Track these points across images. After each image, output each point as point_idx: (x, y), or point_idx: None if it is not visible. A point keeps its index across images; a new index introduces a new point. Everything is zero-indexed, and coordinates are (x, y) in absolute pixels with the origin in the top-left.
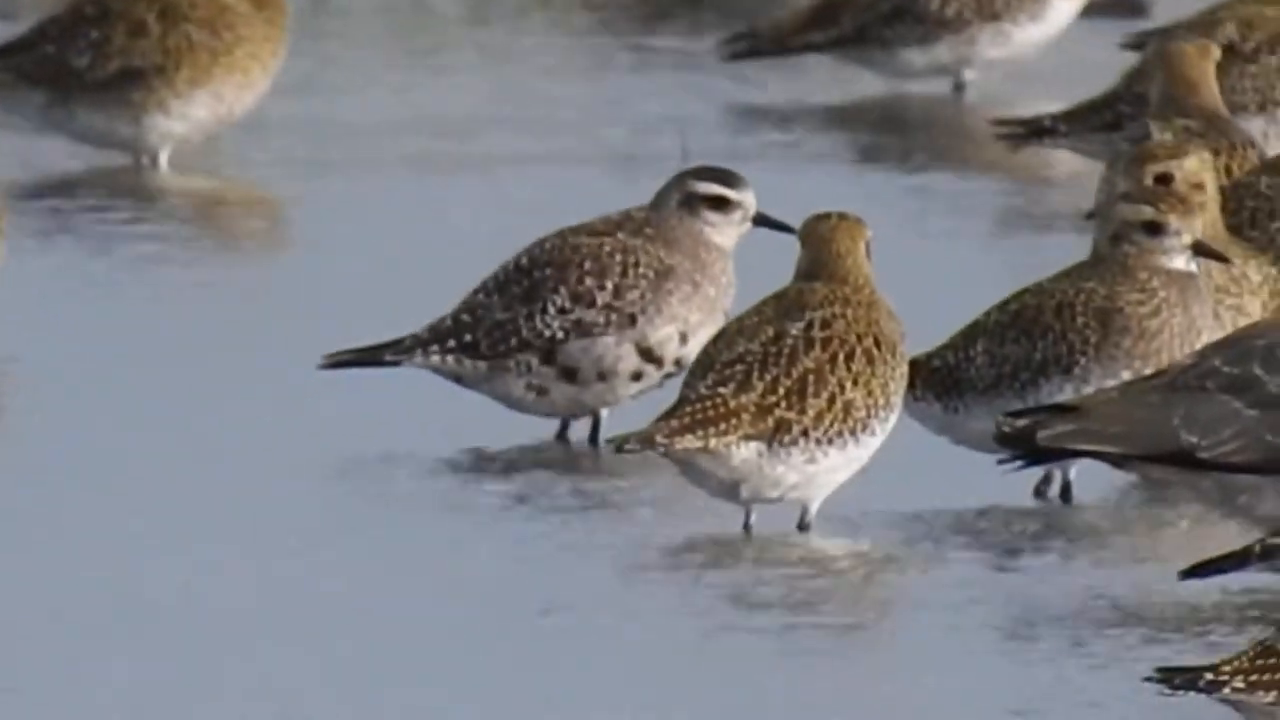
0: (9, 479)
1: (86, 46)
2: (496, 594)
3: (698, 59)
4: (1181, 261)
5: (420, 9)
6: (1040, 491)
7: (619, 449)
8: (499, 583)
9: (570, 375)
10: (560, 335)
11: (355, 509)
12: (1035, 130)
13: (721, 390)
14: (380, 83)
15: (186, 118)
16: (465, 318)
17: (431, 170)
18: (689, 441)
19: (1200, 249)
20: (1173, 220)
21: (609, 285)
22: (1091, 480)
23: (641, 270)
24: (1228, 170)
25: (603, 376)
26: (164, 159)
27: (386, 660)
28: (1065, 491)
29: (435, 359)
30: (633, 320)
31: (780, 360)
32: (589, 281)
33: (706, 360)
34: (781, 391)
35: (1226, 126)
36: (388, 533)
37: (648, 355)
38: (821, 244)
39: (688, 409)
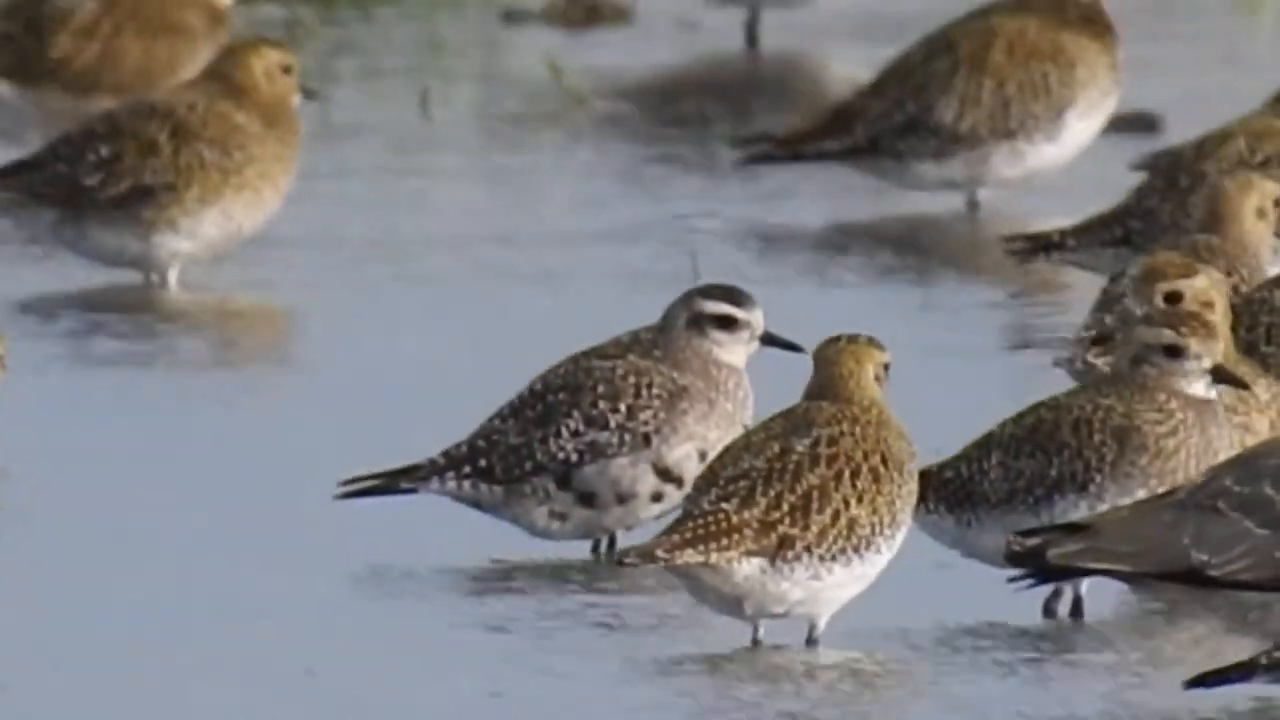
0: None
1: (97, 165)
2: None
3: (711, 166)
4: (1201, 387)
5: (426, 124)
6: (1050, 609)
7: (619, 562)
8: (498, 695)
9: (588, 500)
10: (575, 458)
11: (366, 619)
12: (1044, 245)
13: (725, 506)
14: (386, 198)
15: (195, 235)
16: (481, 443)
17: (439, 285)
18: (690, 556)
19: (1220, 374)
20: (1194, 344)
21: (622, 407)
22: (1100, 593)
23: (655, 391)
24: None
25: (621, 499)
26: (173, 277)
27: None
28: (1076, 607)
29: (452, 485)
30: (647, 440)
31: (785, 476)
32: (602, 405)
33: (711, 476)
34: (785, 508)
35: (1243, 262)
36: (396, 640)
37: (666, 475)
38: (828, 365)
39: (690, 524)
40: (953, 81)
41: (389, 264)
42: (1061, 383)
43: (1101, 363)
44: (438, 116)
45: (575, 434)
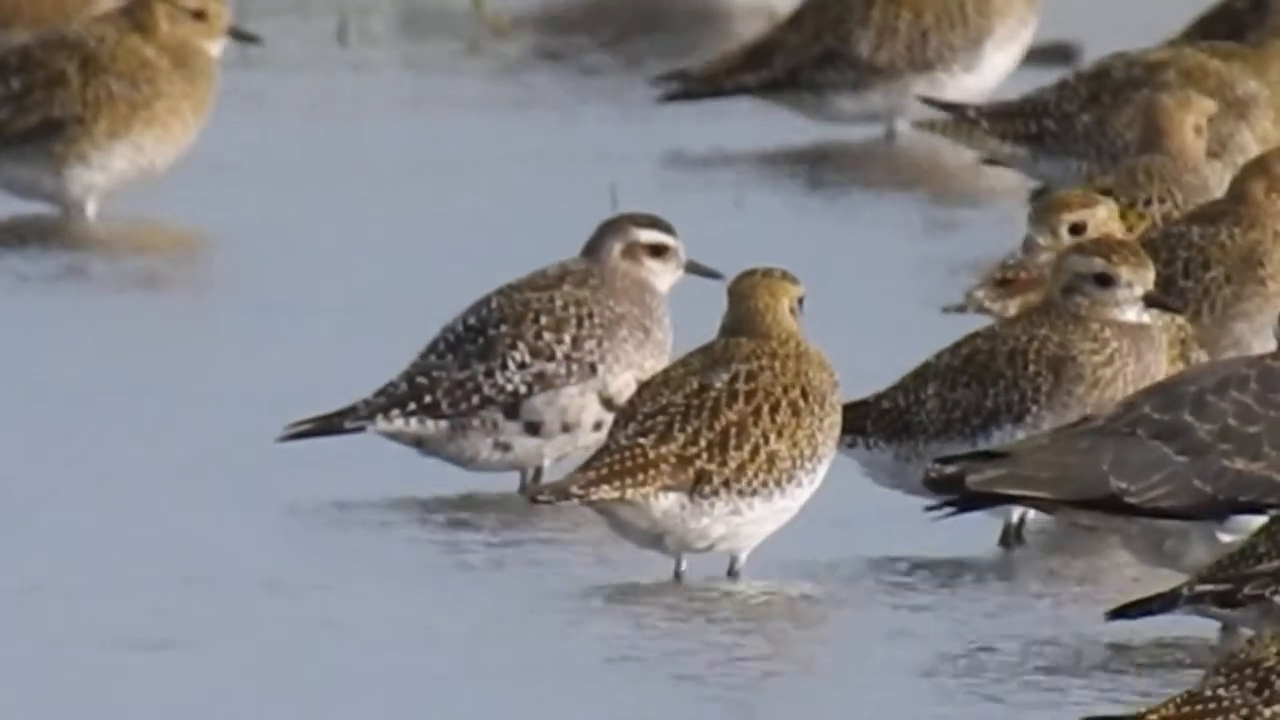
0: None
1: (7, 97)
2: (434, 641)
3: (630, 100)
4: (1134, 313)
5: (349, 49)
6: (1006, 540)
7: (534, 499)
8: (434, 631)
9: (535, 429)
10: (523, 389)
11: (308, 559)
12: (958, 115)
13: (641, 441)
14: (307, 130)
15: (107, 169)
16: (421, 380)
17: (362, 215)
18: (605, 492)
19: (1152, 300)
20: (1125, 272)
21: (566, 337)
22: (1038, 522)
23: (596, 320)
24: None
25: (566, 428)
26: (91, 210)
27: (331, 701)
28: (1019, 533)
29: (398, 423)
30: (593, 369)
31: (703, 412)
32: (547, 336)
33: (629, 410)
34: (703, 443)
35: (1182, 182)
36: (334, 585)
37: (609, 404)
38: (743, 299)
39: (606, 459)
40: (869, 13)
41: (313, 193)
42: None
43: (997, 307)
44: (356, 47)
45: (522, 365)
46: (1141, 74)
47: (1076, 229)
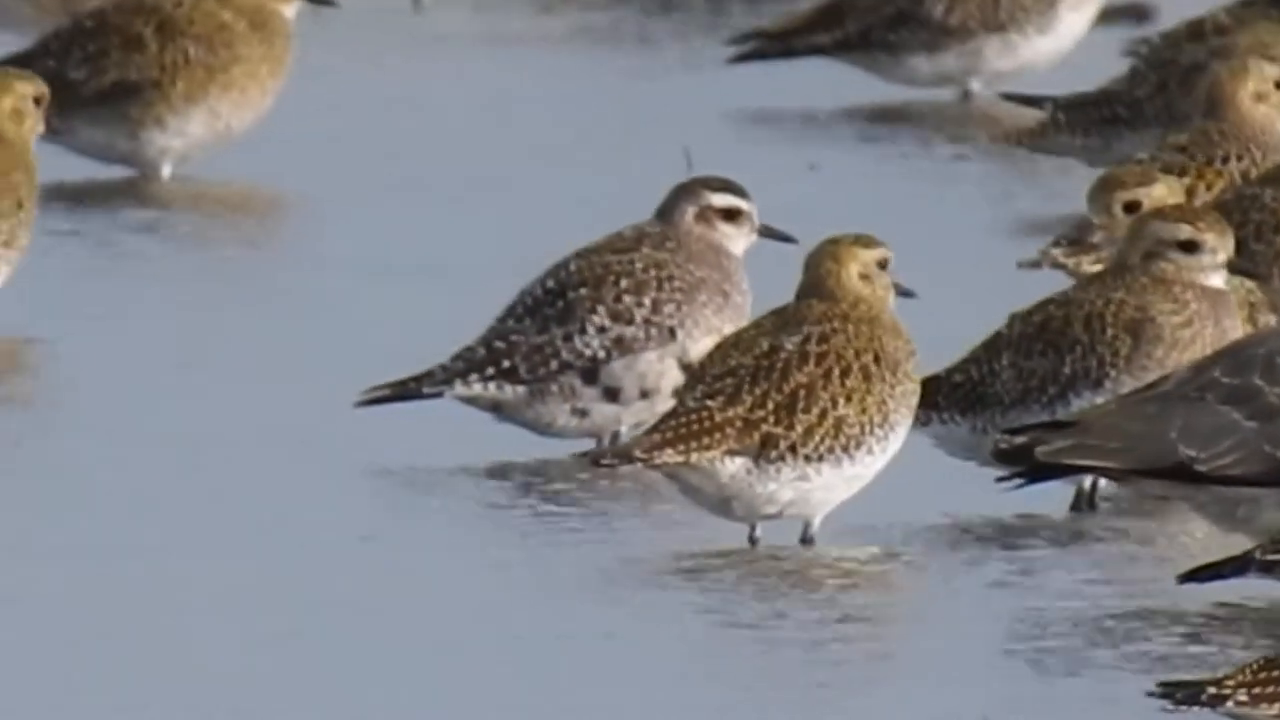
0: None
1: (84, 60)
2: (508, 605)
3: (703, 60)
4: (1217, 279)
5: (422, 12)
6: (1078, 505)
7: (596, 462)
8: (509, 593)
9: (613, 395)
10: (602, 354)
11: (376, 522)
12: (1034, 104)
13: (709, 403)
14: (381, 81)
15: (184, 134)
16: (499, 344)
17: (427, 177)
18: (669, 456)
19: (1235, 266)
20: (1210, 238)
21: (646, 301)
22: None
23: (676, 284)
24: (1194, 189)
25: (645, 394)
26: (166, 172)
27: (390, 666)
28: (1091, 500)
29: (477, 388)
30: (673, 334)
31: (772, 374)
32: (627, 299)
33: (699, 373)
34: (770, 406)
35: (1255, 144)
36: (402, 546)
37: (689, 369)
38: (810, 266)
39: (672, 422)
40: None
41: (385, 156)
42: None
43: (1072, 263)
44: (430, 10)
45: (601, 330)
46: (1205, 56)
47: (1131, 207)
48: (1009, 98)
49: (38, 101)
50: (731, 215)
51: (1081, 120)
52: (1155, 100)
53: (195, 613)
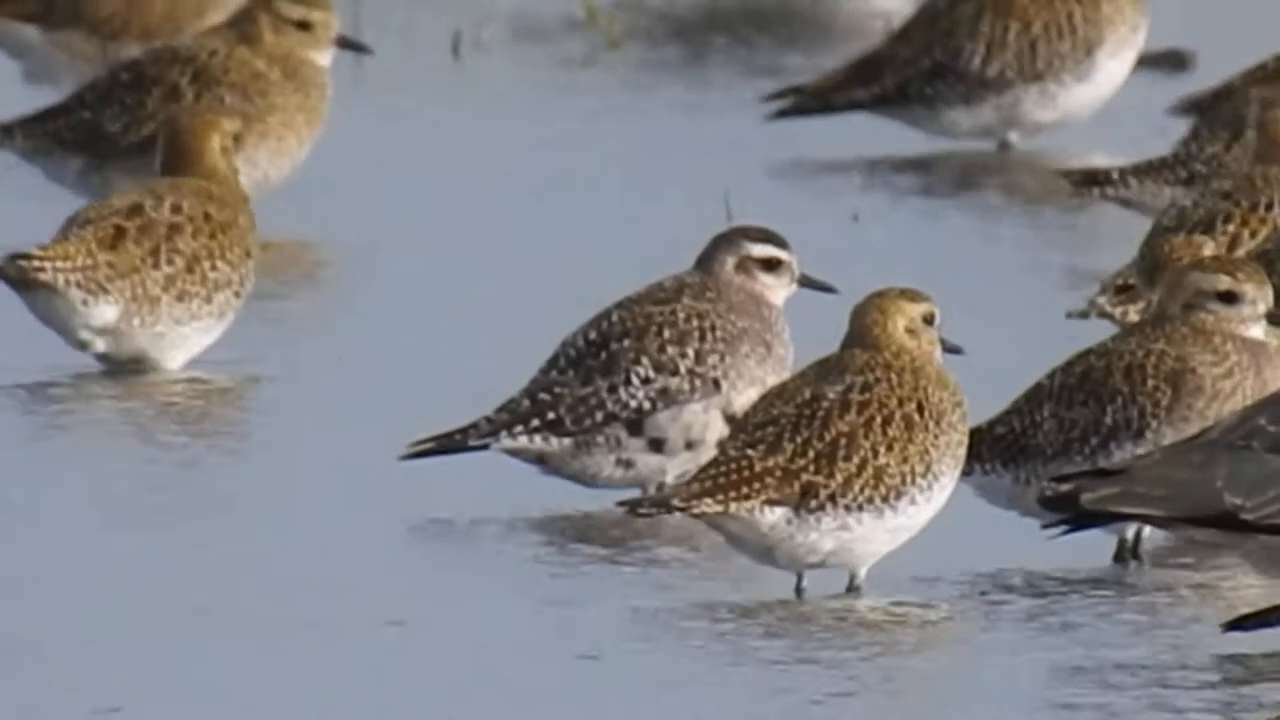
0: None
1: (121, 111)
2: (546, 646)
3: (743, 109)
4: (1257, 330)
5: (462, 60)
6: (1122, 556)
7: (633, 511)
8: (550, 637)
9: (658, 446)
10: (647, 405)
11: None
12: (1103, 181)
13: (750, 452)
14: (432, 128)
15: None
16: (543, 396)
17: (469, 224)
18: (708, 505)
19: (1275, 318)
20: (1250, 289)
21: (690, 352)
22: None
23: (719, 334)
24: (1237, 237)
25: (690, 445)
26: None
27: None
28: (1135, 549)
29: (522, 440)
30: (717, 385)
31: (813, 423)
32: (670, 350)
33: (742, 422)
34: (811, 455)
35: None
36: (441, 583)
37: (733, 420)
38: (855, 318)
39: (712, 471)
40: (978, 25)
41: (428, 204)
42: (1093, 326)
43: (1119, 312)
44: (469, 59)
45: (646, 380)
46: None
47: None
48: (1067, 175)
49: (237, 139)
50: (771, 265)
51: (1157, 180)
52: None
53: (227, 654)
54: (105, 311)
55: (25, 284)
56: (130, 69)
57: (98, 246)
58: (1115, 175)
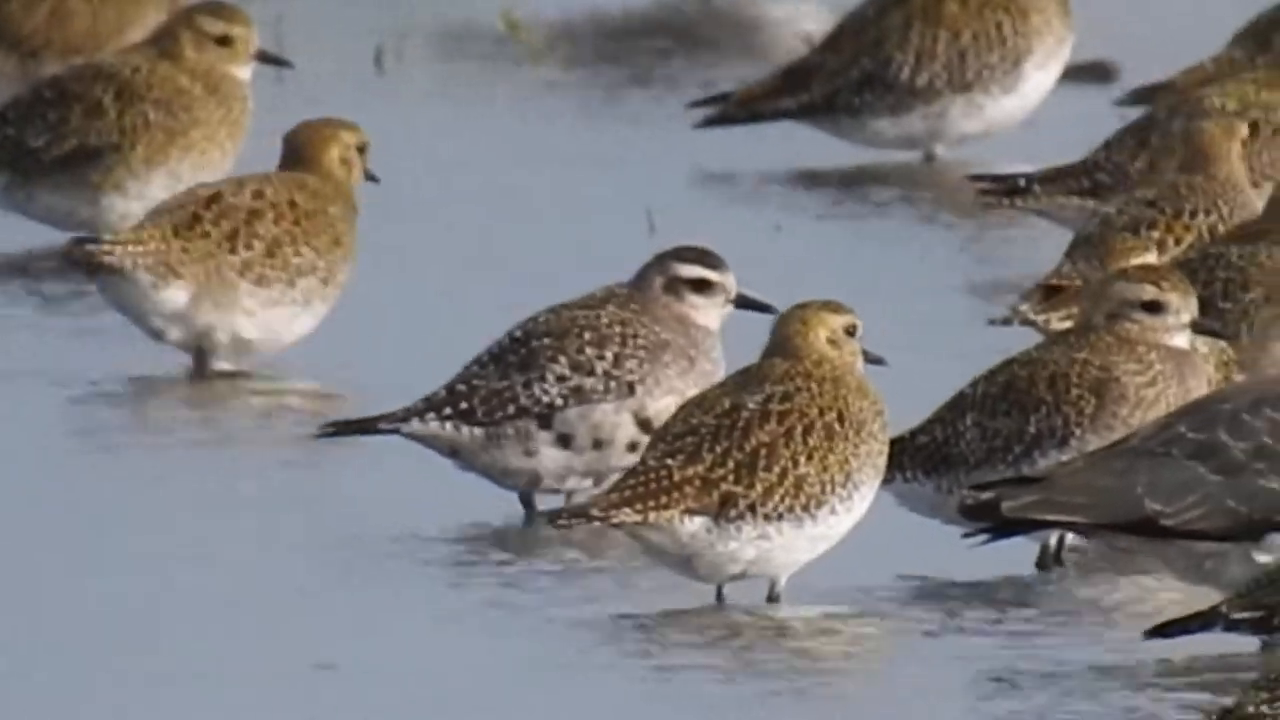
0: None
1: (44, 128)
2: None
3: (667, 122)
4: (1182, 339)
5: (384, 73)
6: (1044, 563)
7: (552, 522)
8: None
9: (565, 441)
10: (559, 402)
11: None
12: (1010, 190)
13: (669, 462)
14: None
15: (144, 197)
16: (460, 387)
17: (388, 240)
18: (627, 515)
19: (1199, 326)
20: (1174, 298)
21: (608, 354)
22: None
23: (640, 341)
24: (1164, 243)
25: (598, 444)
26: None
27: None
28: (1058, 556)
29: (434, 426)
30: (631, 389)
31: (733, 433)
32: (589, 351)
33: (662, 432)
34: (730, 465)
35: (1227, 200)
36: (355, 600)
37: (646, 426)
38: (777, 329)
39: (631, 481)
40: (908, 35)
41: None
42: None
43: (1042, 320)
44: (392, 71)
45: (560, 379)
46: (1185, 112)
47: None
48: (978, 178)
49: (361, 150)
50: (701, 286)
51: (1062, 189)
52: (1138, 160)
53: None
54: (175, 295)
55: (92, 268)
56: (53, 85)
57: (172, 232)
58: (1023, 183)
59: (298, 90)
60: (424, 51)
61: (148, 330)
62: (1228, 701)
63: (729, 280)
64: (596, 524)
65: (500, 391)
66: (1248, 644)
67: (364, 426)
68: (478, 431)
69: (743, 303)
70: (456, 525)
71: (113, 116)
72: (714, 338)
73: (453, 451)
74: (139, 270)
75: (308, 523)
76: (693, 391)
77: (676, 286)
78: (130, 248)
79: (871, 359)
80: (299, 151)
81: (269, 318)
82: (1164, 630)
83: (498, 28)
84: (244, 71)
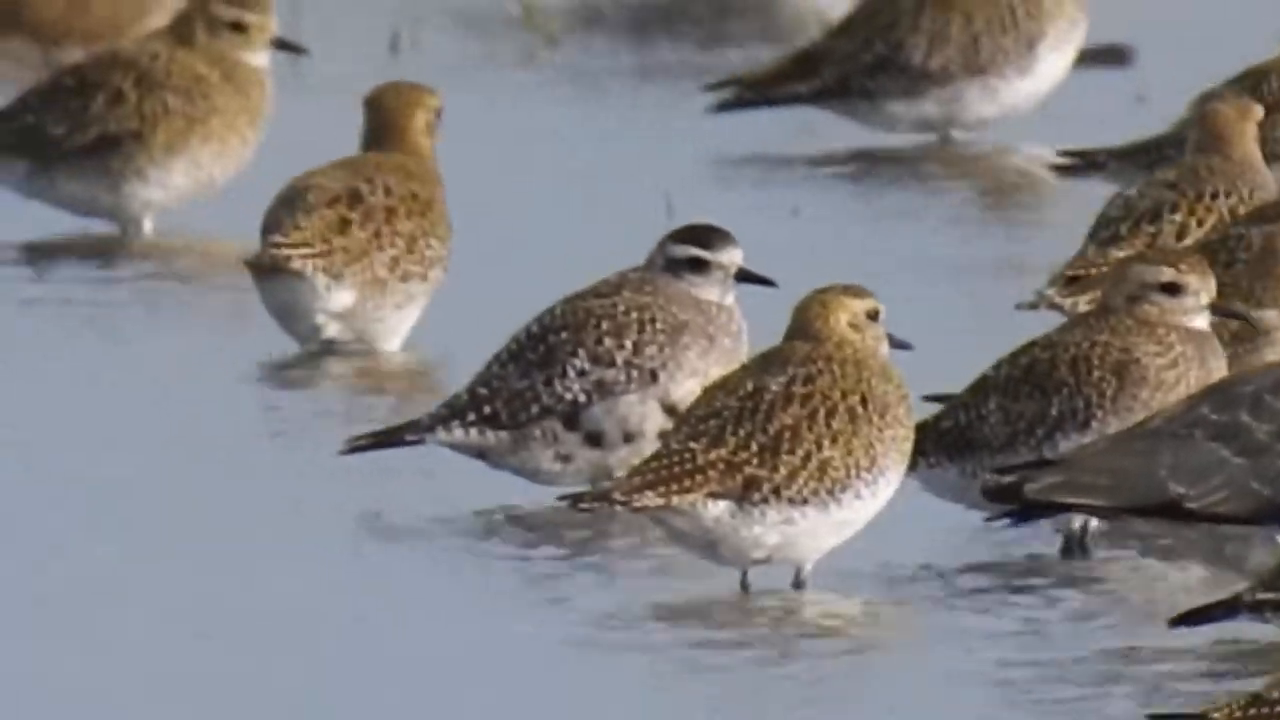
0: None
1: (65, 116)
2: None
3: (683, 105)
4: (1201, 321)
5: (400, 57)
6: (1069, 548)
7: (574, 506)
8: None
9: (596, 440)
10: (582, 398)
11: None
12: (1091, 164)
13: (693, 445)
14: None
15: (166, 185)
16: (482, 390)
17: None
18: (649, 499)
19: (1218, 308)
20: (1193, 280)
21: (627, 343)
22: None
23: (659, 326)
24: (1186, 225)
25: (629, 438)
26: (148, 227)
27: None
28: (1082, 542)
29: (458, 434)
30: (654, 376)
31: (756, 416)
32: (607, 341)
33: (685, 415)
34: (754, 448)
35: (1246, 180)
36: (393, 588)
37: (672, 412)
38: (796, 314)
39: (654, 464)
40: (920, 19)
41: None
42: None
43: (1068, 304)
44: (408, 56)
45: (581, 373)
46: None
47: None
48: (1065, 154)
49: (438, 115)
50: (696, 266)
51: (1133, 165)
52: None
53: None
54: (344, 296)
55: (278, 272)
56: (73, 73)
57: (328, 232)
58: (1102, 158)
59: (316, 76)
60: (440, 36)
61: (305, 329)
62: (1255, 687)
63: (725, 257)
64: (619, 508)
65: (522, 392)
66: (1274, 631)
67: (390, 438)
68: (504, 435)
69: (743, 277)
70: (482, 509)
71: (133, 104)
72: (729, 311)
73: (481, 455)
74: (316, 273)
75: (333, 504)
76: (715, 371)
77: (675, 266)
78: (305, 250)
79: (897, 344)
80: (383, 116)
81: (411, 311)
82: (1188, 618)
83: (514, 12)
84: (260, 59)
